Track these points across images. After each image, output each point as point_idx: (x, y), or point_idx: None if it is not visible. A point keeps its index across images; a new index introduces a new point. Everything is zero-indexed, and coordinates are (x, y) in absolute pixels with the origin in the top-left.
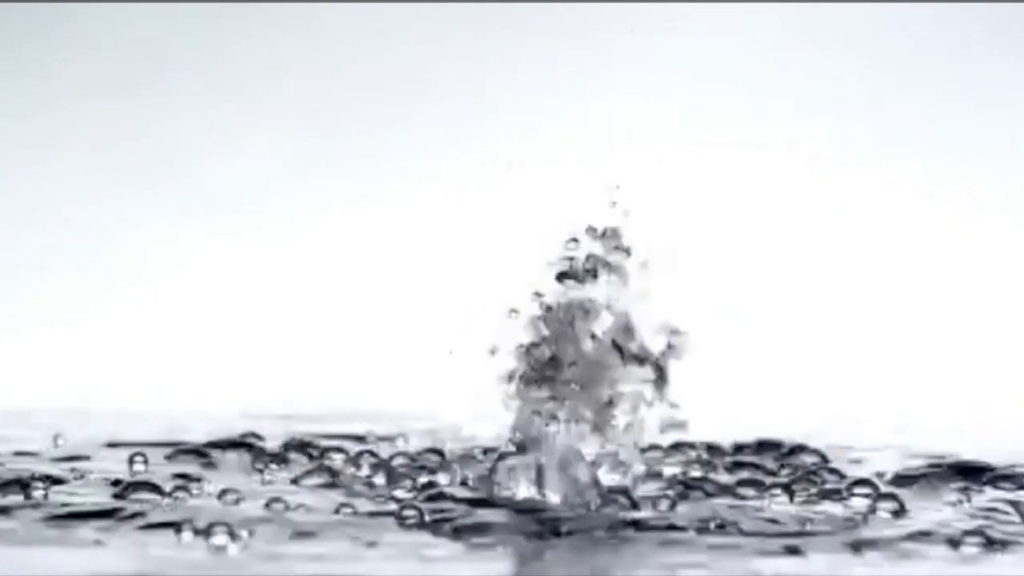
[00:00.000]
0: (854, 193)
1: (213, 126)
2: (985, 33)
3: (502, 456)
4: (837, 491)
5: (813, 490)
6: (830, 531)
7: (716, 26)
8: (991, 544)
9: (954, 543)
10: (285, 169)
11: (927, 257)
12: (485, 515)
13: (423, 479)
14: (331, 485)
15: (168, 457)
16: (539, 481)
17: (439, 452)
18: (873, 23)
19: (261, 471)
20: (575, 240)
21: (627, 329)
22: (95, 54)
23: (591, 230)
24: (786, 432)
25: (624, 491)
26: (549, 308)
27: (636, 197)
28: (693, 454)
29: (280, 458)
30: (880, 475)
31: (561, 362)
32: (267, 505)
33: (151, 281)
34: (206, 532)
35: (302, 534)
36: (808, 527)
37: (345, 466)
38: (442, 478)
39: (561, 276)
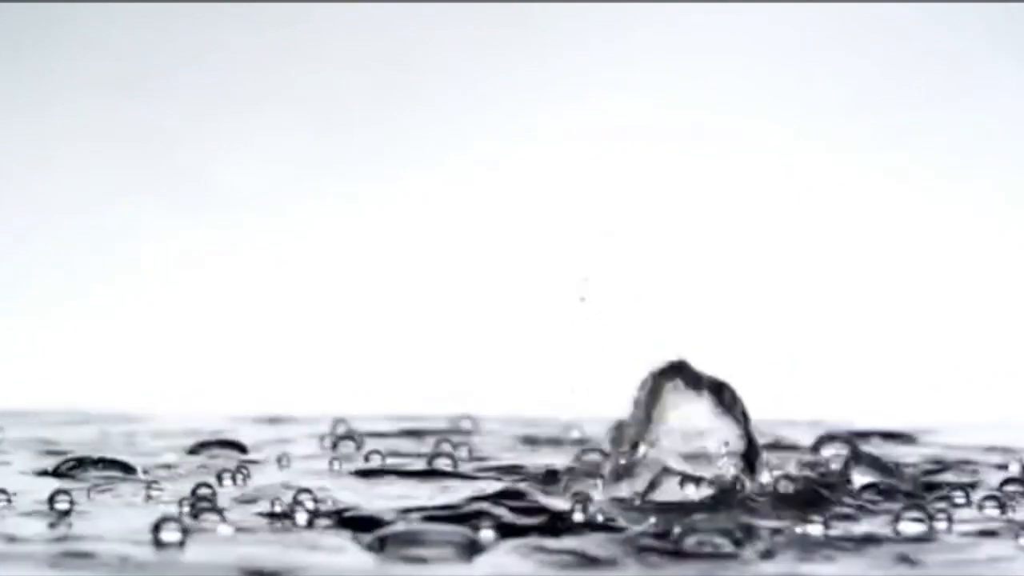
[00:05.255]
0: (854, 193)
1: (213, 126)
2: (985, 33)
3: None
4: None
5: None
6: None
7: (715, 26)
8: None
9: None
10: (286, 168)
11: (926, 257)
12: None
13: None
14: None
15: None
16: None
17: None
18: (873, 23)
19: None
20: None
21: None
22: (95, 54)
23: None
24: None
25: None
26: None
27: (635, 197)
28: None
29: None
30: None
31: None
32: None
33: (151, 281)
34: None
35: None
36: None
37: None
38: None
39: None
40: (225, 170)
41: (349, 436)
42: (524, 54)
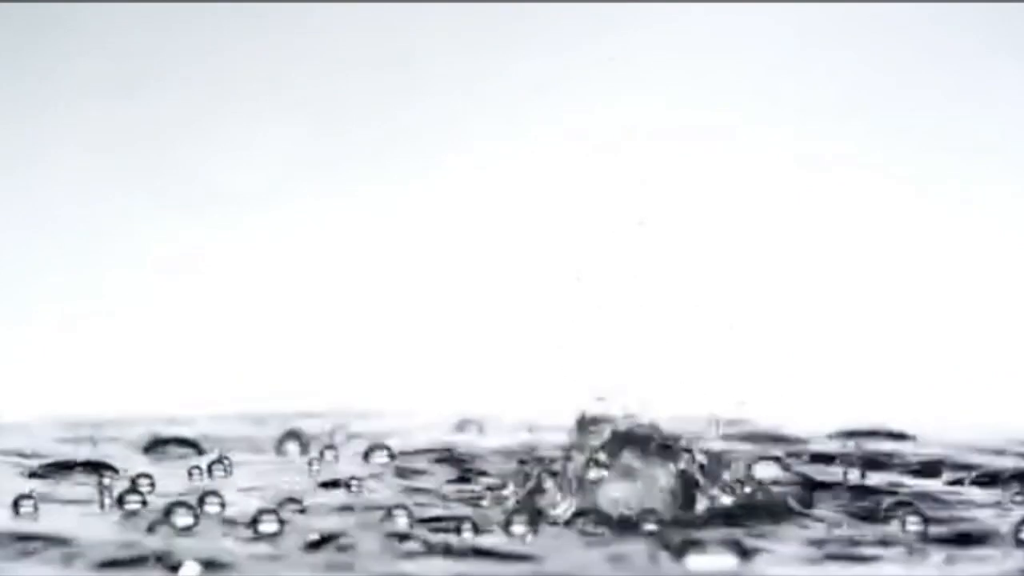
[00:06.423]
0: (854, 193)
1: (214, 126)
2: (985, 33)
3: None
4: None
5: None
6: None
7: (715, 25)
8: None
9: None
10: (287, 168)
11: (926, 257)
12: None
13: None
14: None
15: None
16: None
17: None
18: (873, 23)
19: None
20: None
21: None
22: (95, 54)
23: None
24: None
25: None
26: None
27: (635, 197)
28: None
29: None
30: None
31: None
32: None
33: (151, 281)
34: None
35: None
36: None
37: None
38: None
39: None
40: (223, 170)
41: (295, 435)
42: (524, 54)
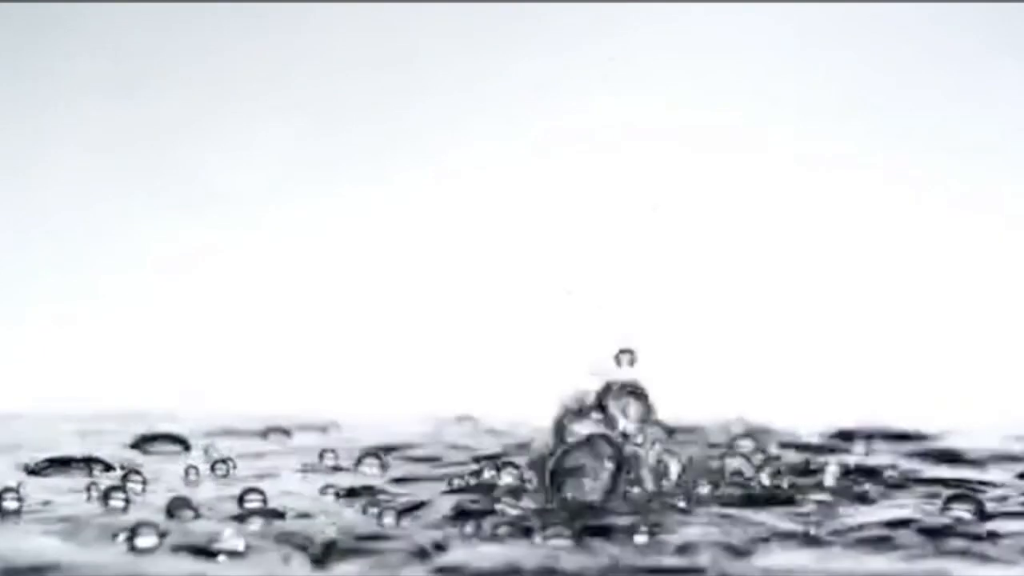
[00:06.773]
0: (854, 193)
1: (214, 126)
2: (985, 33)
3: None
4: None
5: None
6: None
7: (715, 25)
8: None
9: None
10: (287, 168)
11: (926, 257)
12: None
13: None
14: None
15: None
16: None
17: None
18: (873, 23)
19: None
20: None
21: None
22: (95, 54)
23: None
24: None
25: None
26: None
27: (633, 197)
28: None
29: None
30: None
31: None
32: None
33: (151, 281)
34: None
35: None
36: None
37: None
38: None
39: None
40: (223, 170)
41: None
42: (524, 54)
